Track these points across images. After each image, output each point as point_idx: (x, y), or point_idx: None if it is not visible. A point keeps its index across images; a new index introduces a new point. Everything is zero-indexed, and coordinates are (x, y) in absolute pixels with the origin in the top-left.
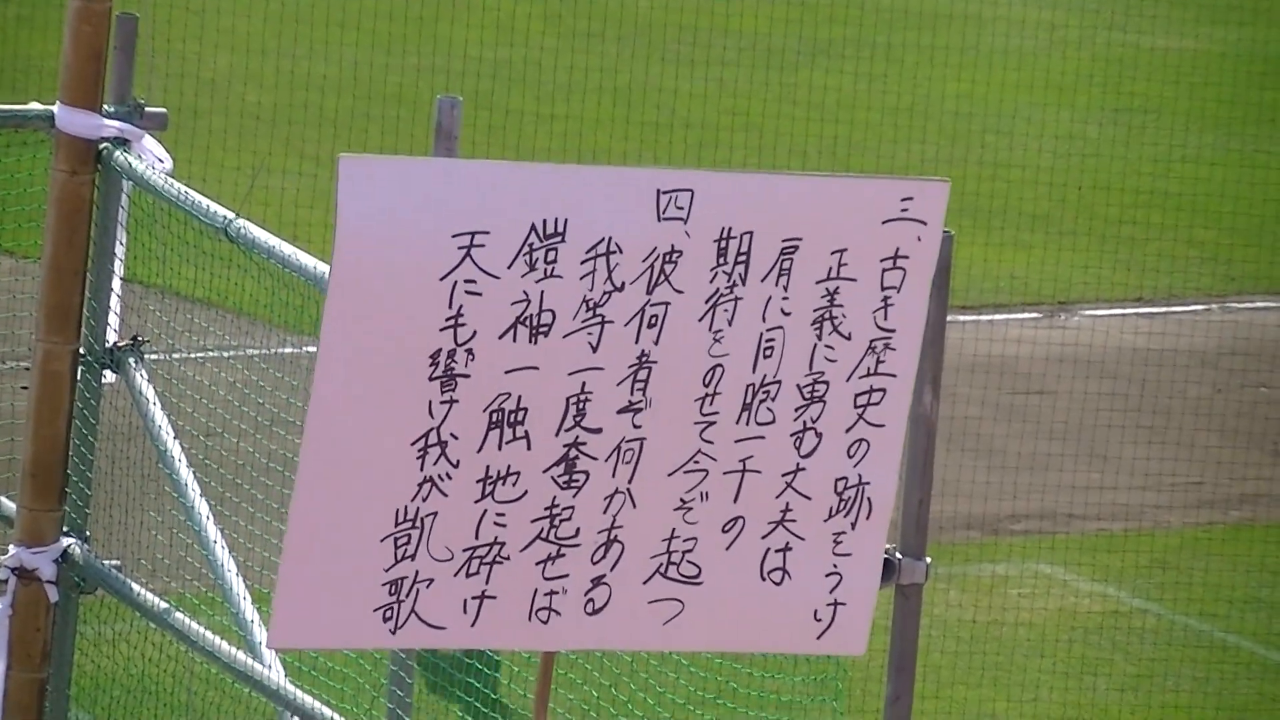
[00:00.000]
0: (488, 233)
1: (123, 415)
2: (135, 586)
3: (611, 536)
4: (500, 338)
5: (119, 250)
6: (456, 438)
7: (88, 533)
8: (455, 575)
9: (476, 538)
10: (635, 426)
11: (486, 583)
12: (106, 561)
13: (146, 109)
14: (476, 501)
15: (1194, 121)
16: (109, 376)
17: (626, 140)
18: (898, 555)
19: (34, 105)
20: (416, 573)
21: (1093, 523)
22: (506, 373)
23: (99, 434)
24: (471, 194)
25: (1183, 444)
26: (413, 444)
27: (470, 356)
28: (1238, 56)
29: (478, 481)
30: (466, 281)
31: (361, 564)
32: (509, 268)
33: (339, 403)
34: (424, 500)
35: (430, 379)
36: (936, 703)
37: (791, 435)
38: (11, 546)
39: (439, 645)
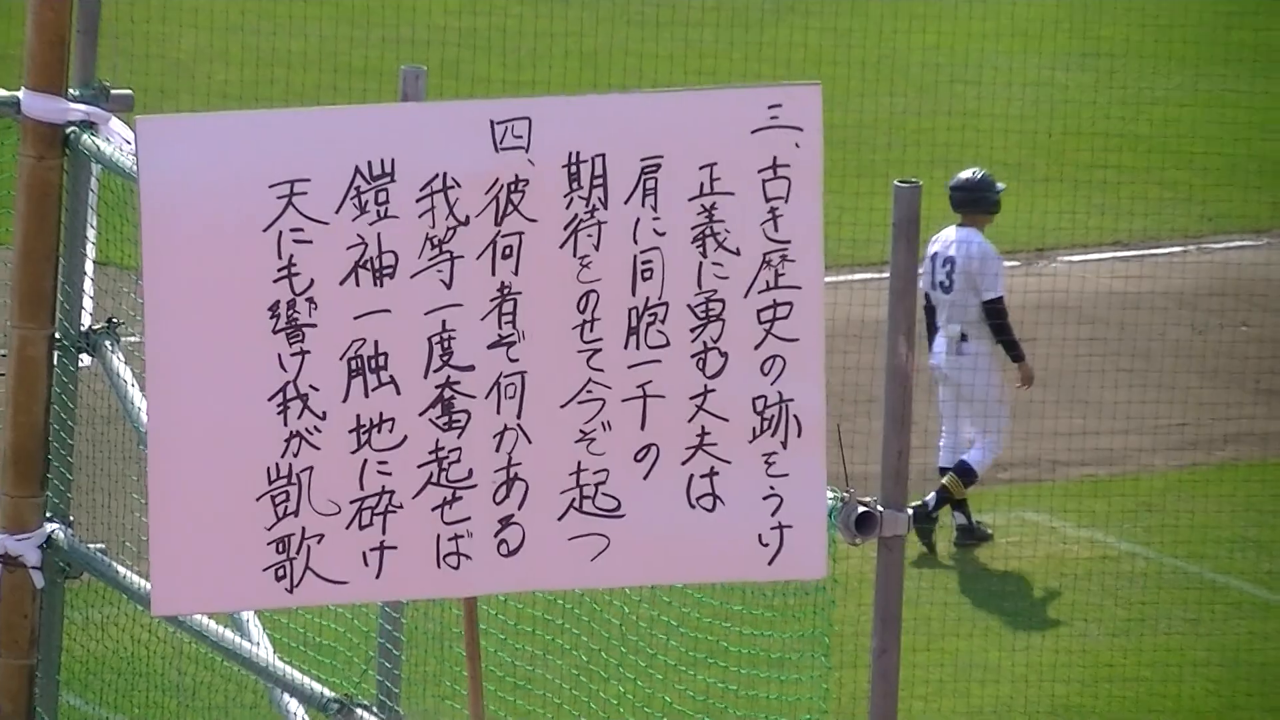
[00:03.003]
0: (308, 179)
1: (101, 398)
2: (121, 569)
3: (511, 475)
4: (341, 284)
5: (90, 234)
6: (317, 389)
7: (71, 517)
8: (347, 528)
9: (362, 488)
10: (511, 360)
11: (384, 533)
12: (91, 545)
13: (112, 91)
14: (353, 452)
15: (1162, 64)
16: (85, 360)
17: None
18: (879, 508)
19: None
20: (304, 529)
21: (1078, 469)
22: (356, 318)
23: (78, 418)
24: (284, 142)
25: (1164, 386)
26: (270, 399)
27: (312, 305)
28: None
29: (350, 431)
30: (293, 230)
31: (239, 524)
32: (337, 213)
33: (177, 365)
34: (295, 456)
35: (274, 332)
36: (928, 655)
37: (692, 357)
38: None
39: (343, 600)
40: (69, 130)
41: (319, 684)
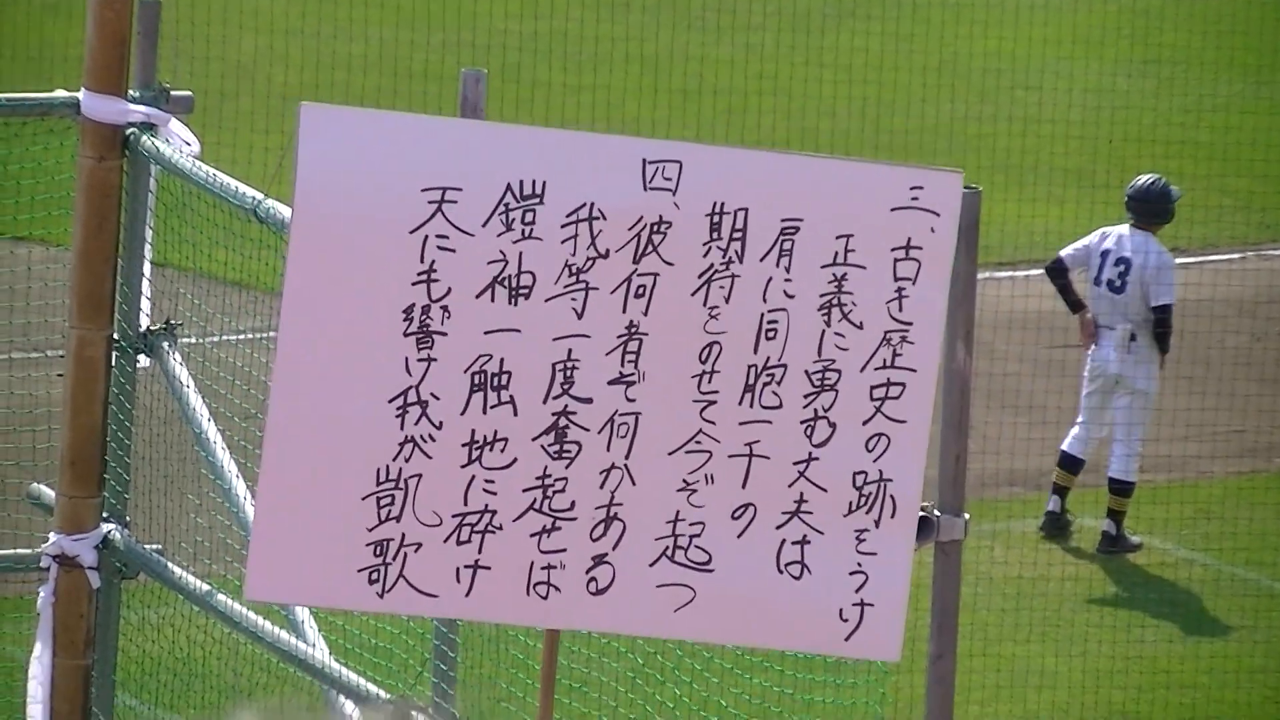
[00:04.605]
0: (460, 189)
1: (158, 400)
2: (177, 570)
3: (611, 514)
4: (478, 297)
5: (149, 235)
6: (438, 398)
7: (128, 518)
8: (445, 541)
9: (465, 504)
10: (629, 400)
11: (480, 552)
12: (147, 546)
13: (172, 93)
14: (463, 466)
15: (1223, 70)
16: (143, 361)
17: (655, 109)
18: (936, 512)
19: (60, 93)
20: (403, 536)
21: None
22: (486, 333)
23: (135, 419)
24: (443, 150)
25: (1223, 393)
26: (391, 401)
27: (446, 314)
28: (1264, 4)
29: (463, 445)
30: (438, 237)
31: (342, 521)
32: (484, 226)
33: (307, 354)
34: (406, 461)
35: (405, 334)
36: (985, 660)
37: (802, 423)
38: (52, 534)
39: (430, 613)
40: (129, 132)
41: (374, 685)
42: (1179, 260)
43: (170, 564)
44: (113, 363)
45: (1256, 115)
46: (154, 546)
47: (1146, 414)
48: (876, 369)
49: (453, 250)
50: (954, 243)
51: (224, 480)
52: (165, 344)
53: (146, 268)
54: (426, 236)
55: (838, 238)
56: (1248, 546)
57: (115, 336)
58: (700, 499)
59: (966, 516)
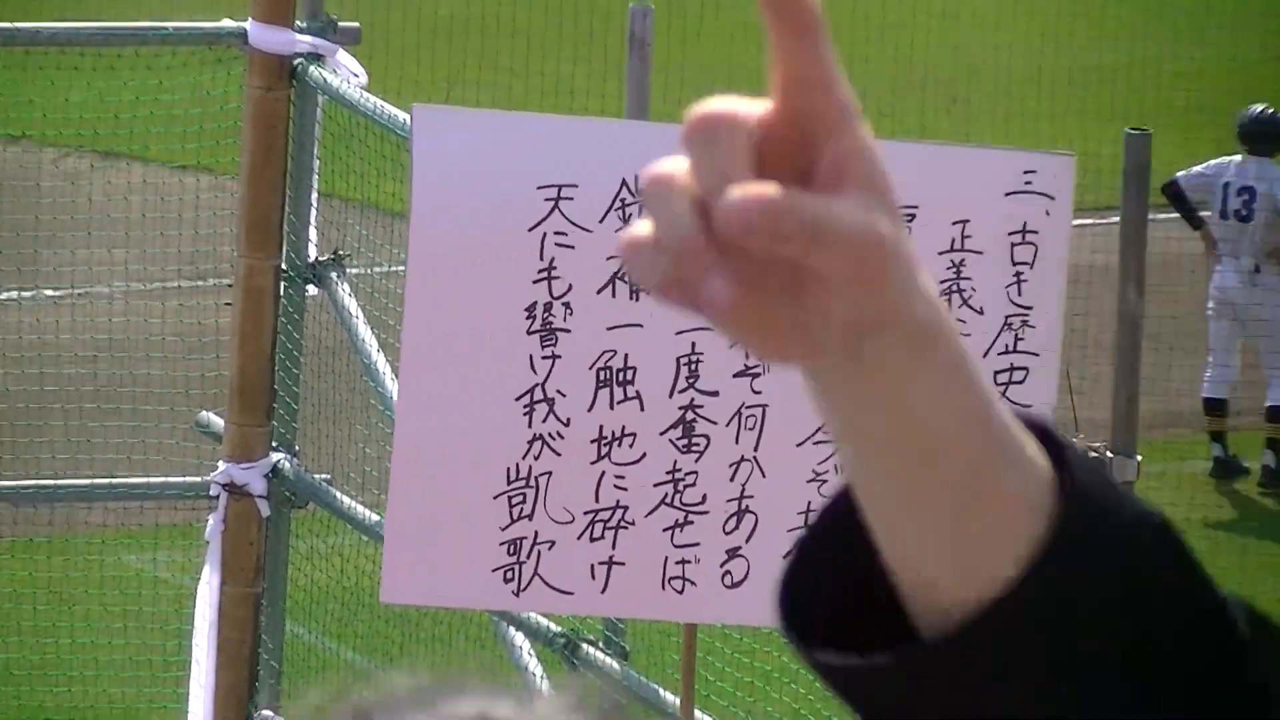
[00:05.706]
0: (575, 186)
1: (327, 330)
2: (345, 500)
3: (743, 507)
4: (598, 293)
5: (315, 165)
6: (564, 395)
7: (297, 447)
8: (578, 539)
9: (597, 500)
10: (755, 392)
11: (613, 548)
12: (316, 475)
13: (339, 24)
14: (593, 463)
15: None
16: (312, 291)
17: None
18: (1108, 453)
19: (226, 22)
20: (536, 534)
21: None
22: (609, 329)
23: (304, 349)
24: (556, 147)
25: None
26: (517, 400)
27: (568, 310)
28: None
29: (592, 442)
30: (557, 234)
31: (474, 522)
32: (601, 222)
33: (431, 355)
34: (536, 459)
35: (528, 333)
36: None
37: None
38: (221, 462)
39: (567, 611)
40: (296, 62)
41: (545, 619)
42: None
43: (339, 493)
44: (281, 292)
45: None
46: (323, 476)
47: None
48: (999, 354)
49: (571, 247)
50: (1069, 225)
51: (392, 410)
52: (334, 274)
53: (314, 198)
54: (545, 234)
55: (954, 224)
56: None
57: (283, 266)
58: (830, 490)
59: (1139, 458)
